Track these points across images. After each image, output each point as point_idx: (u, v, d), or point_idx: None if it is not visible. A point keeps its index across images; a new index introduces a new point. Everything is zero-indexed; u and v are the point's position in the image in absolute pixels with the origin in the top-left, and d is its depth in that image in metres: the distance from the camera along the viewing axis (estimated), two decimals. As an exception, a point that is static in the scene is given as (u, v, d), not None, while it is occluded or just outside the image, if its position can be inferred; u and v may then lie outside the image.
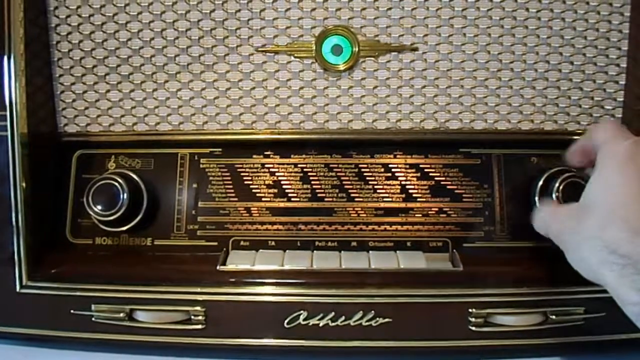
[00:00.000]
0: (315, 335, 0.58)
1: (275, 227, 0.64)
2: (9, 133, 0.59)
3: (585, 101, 0.64)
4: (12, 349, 0.61)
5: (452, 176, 0.64)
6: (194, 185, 0.64)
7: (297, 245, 0.63)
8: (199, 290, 0.58)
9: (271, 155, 0.65)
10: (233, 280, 0.59)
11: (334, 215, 0.64)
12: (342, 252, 0.62)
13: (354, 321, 0.57)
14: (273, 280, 0.58)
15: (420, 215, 0.64)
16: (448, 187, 0.64)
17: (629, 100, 0.63)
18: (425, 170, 0.64)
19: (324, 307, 0.57)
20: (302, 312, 0.57)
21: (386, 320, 0.57)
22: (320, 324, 0.57)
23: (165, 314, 0.58)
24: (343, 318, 0.57)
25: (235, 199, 0.64)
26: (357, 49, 0.62)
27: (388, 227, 0.64)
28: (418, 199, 0.64)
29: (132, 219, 0.62)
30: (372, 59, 0.63)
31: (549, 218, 0.54)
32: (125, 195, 0.61)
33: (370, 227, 0.64)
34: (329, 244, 0.63)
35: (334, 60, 0.63)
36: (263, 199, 0.64)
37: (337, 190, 0.64)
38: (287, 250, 0.62)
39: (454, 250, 0.62)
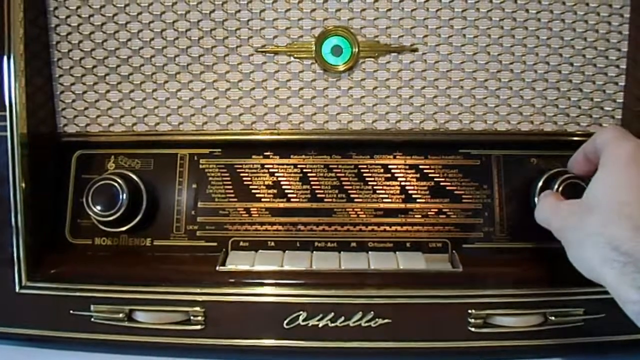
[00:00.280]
0: (315, 336, 0.57)
1: (274, 227, 0.64)
2: (8, 133, 0.59)
3: (585, 102, 0.64)
4: (15, 350, 0.61)
5: (452, 177, 0.64)
6: (194, 186, 0.64)
7: (296, 245, 0.63)
8: (198, 290, 0.58)
9: (271, 156, 0.65)
10: (232, 280, 0.59)
11: (334, 215, 0.64)
12: (342, 252, 0.62)
13: (354, 322, 0.57)
14: (272, 281, 0.58)
15: (419, 216, 0.64)
16: (447, 188, 0.64)
17: (628, 102, 0.63)
18: (425, 171, 0.64)
19: (323, 307, 0.57)
20: (301, 312, 0.57)
21: (385, 321, 0.57)
22: (320, 325, 0.57)
23: (164, 314, 0.58)
24: (342, 319, 0.57)
25: (235, 200, 0.64)
26: (356, 50, 0.62)
27: (387, 228, 0.64)
28: (417, 200, 0.64)
29: (131, 220, 0.62)
30: (372, 59, 0.63)
31: (550, 212, 0.54)
32: (124, 195, 0.61)
33: (369, 227, 0.64)
34: (329, 244, 0.63)
35: (334, 61, 0.63)
36: (262, 200, 0.64)
37: (336, 191, 0.64)
38: (286, 251, 0.62)
39: (454, 251, 0.62)
